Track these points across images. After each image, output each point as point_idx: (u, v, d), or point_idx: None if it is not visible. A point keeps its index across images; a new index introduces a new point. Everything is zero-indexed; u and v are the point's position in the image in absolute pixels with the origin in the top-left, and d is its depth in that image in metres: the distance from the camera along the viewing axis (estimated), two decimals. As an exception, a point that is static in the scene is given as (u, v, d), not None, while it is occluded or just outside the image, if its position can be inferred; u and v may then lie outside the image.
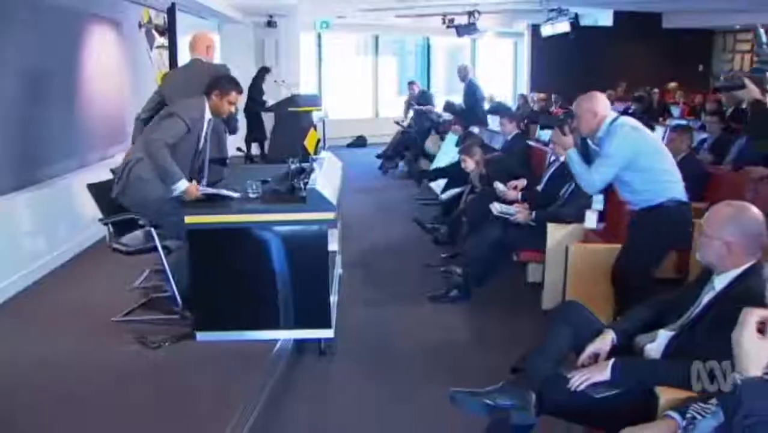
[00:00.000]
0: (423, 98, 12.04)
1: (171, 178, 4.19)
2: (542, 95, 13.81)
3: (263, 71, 11.40)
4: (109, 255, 4.71)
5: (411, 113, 12.13)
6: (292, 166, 4.63)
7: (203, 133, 4.52)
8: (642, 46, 16.38)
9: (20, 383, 3.70)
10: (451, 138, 9.35)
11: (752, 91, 3.93)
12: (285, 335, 4.18)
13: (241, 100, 5.02)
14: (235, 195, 4.27)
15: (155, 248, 4.45)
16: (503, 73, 18.64)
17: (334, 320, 4.28)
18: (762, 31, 3.90)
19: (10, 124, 5.37)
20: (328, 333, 4.20)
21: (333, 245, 4.55)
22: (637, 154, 4.01)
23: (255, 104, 11.03)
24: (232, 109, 4.61)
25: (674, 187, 4.09)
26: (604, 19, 15.23)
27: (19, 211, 5.46)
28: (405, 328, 4.85)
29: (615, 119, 4.10)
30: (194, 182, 4.33)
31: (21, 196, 5.44)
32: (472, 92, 10.24)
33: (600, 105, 4.11)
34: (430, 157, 10.33)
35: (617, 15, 14.91)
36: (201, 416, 3.32)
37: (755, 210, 2.59)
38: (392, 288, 5.62)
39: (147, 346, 4.13)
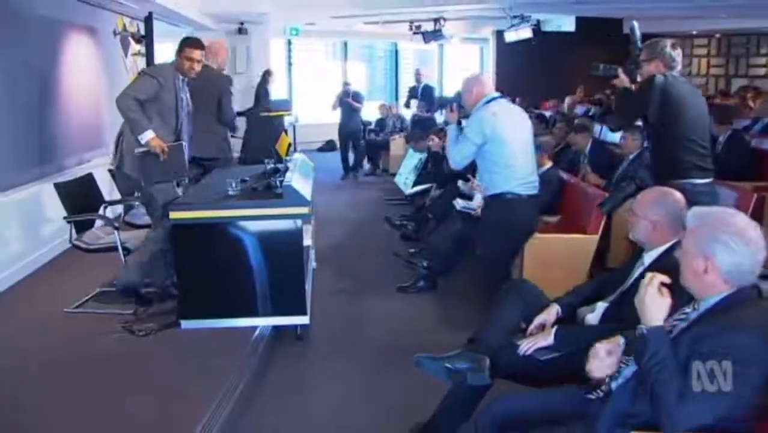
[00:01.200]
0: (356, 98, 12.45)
1: (137, 128, 4.55)
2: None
3: (267, 75, 11.59)
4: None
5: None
6: (268, 166, 4.98)
7: (178, 93, 4.84)
8: (602, 51, 16.76)
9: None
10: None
11: (623, 81, 4.27)
12: (264, 322, 4.51)
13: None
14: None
15: (115, 248, 4.82)
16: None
17: (309, 307, 4.60)
18: (636, 26, 4.21)
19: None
20: (303, 320, 4.53)
21: (307, 240, 4.88)
22: (485, 139, 4.38)
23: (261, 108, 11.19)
24: (195, 66, 4.86)
25: (511, 182, 4.47)
26: (567, 24, 15.75)
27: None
28: (375, 315, 5.19)
29: (489, 101, 4.48)
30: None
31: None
32: (428, 94, 10.74)
33: (479, 85, 4.50)
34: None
35: (579, 21, 15.42)
36: (185, 397, 3.61)
37: (678, 195, 2.99)
38: (363, 280, 5.96)
39: (134, 334, 4.43)
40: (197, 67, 4.90)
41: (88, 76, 7.93)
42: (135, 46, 9.46)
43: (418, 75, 12.54)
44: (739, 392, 2.00)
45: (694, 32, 17.20)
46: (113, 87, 8.56)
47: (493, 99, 4.55)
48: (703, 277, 2.17)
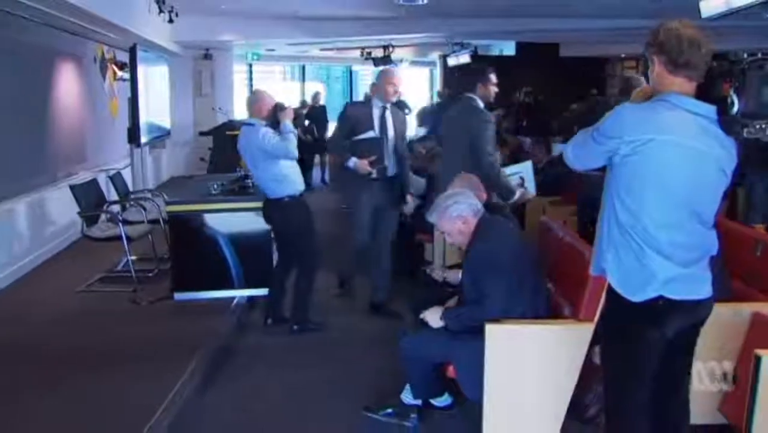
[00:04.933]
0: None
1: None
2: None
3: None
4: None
5: None
6: (240, 174, 6.21)
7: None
8: (542, 73, 18.24)
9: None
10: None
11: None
12: (240, 293, 5.74)
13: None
14: None
15: (119, 237, 6.03)
16: (422, 96, 20.51)
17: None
18: None
19: (3, 145, 6.67)
20: (270, 290, 5.74)
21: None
22: None
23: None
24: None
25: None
26: (509, 49, 17.30)
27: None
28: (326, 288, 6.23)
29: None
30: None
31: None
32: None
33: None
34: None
35: (519, 45, 16.90)
36: (179, 348, 4.73)
37: (457, 186, 4.06)
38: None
39: (137, 303, 5.62)
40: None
41: (74, 99, 9.00)
42: (119, 72, 10.58)
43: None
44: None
45: (623, 55, 18.75)
46: (95, 108, 9.73)
47: None
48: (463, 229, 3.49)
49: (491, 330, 3.28)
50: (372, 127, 5.36)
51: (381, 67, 15.73)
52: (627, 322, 2.57)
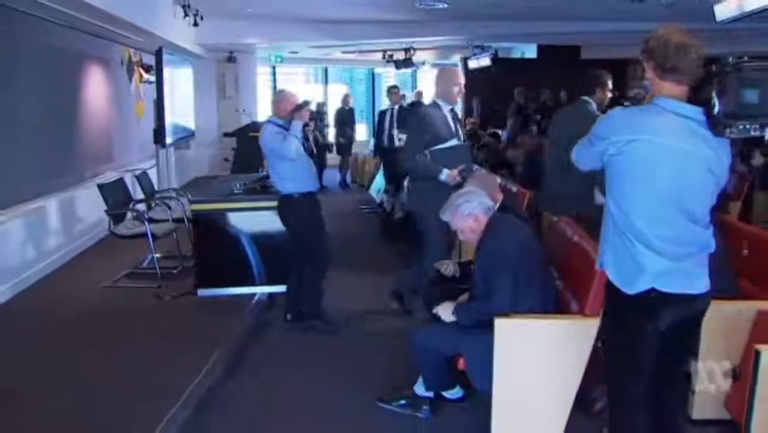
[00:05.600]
0: None
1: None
2: (473, 120, 15.67)
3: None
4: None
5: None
6: (262, 174, 6.37)
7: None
8: (562, 76, 18.24)
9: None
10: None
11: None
12: (261, 290, 5.91)
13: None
14: None
15: (144, 234, 6.24)
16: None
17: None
18: None
19: (31, 146, 6.95)
20: (291, 287, 5.90)
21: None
22: None
23: None
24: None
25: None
26: (530, 51, 17.38)
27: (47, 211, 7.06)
28: (351, 287, 6.37)
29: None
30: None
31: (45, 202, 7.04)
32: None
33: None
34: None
35: (540, 48, 16.99)
36: (201, 341, 4.94)
37: (474, 185, 4.12)
38: (342, 260, 6.83)
39: (161, 298, 5.81)
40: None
41: (102, 101, 9.28)
42: (145, 75, 10.84)
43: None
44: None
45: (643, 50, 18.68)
46: (121, 110, 9.98)
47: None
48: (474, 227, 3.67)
49: (500, 324, 3.40)
50: (452, 134, 5.16)
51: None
52: (623, 314, 2.70)
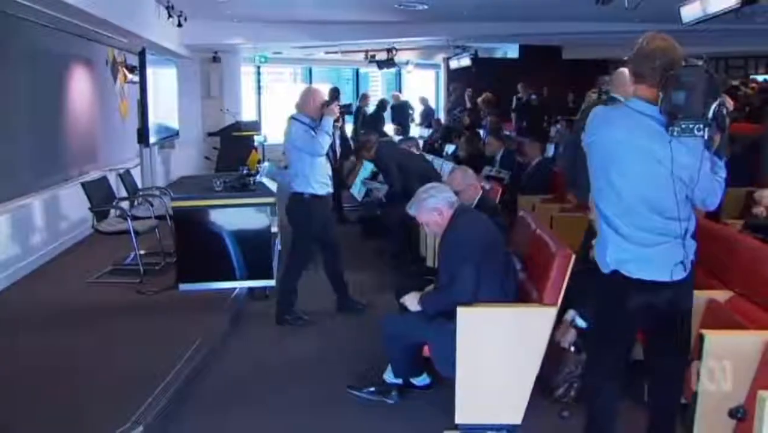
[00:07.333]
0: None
1: None
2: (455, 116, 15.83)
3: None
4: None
5: None
6: (243, 171, 6.52)
7: None
8: (544, 75, 18.38)
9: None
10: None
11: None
12: (241, 284, 6.07)
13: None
14: None
15: (127, 231, 6.40)
16: (430, 98, 20.80)
17: (275, 275, 6.13)
18: None
19: (17, 145, 7.08)
20: (271, 283, 6.07)
21: (274, 228, 6.49)
22: None
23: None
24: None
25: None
26: (513, 51, 17.60)
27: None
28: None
29: None
30: None
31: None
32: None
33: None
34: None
35: (522, 48, 17.20)
36: (184, 332, 5.11)
37: (456, 178, 4.52)
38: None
39: (143, 293, 5.98)
40: None
41: (86, 101, 9.38)
42: (125, 75, 10.96)
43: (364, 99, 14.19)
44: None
45: (625, 58, 18.86)
46: (105, 110, 10.10)
47: None
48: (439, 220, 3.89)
49: (462, 313, 3.58)
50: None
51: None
52: (600, 291, 3.02)
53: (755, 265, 3.96)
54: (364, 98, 14.29)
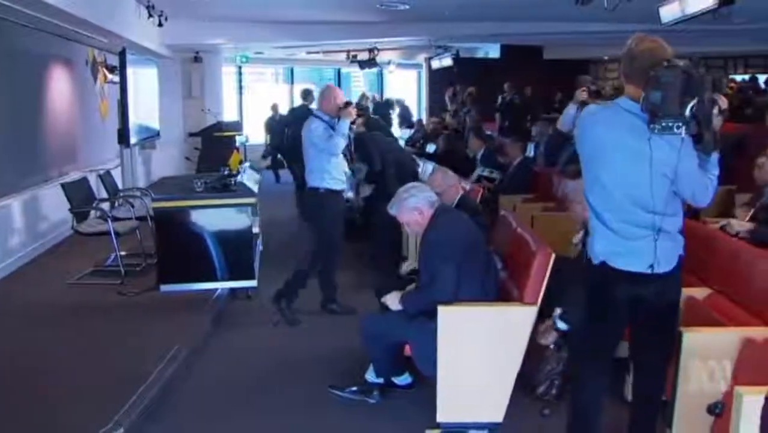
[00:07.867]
0: None
1: None
2: (435, 119, 15.83)
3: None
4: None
5: None
6: (224, 172, 6.51)
7: None
8: (527, 75, 18.42)
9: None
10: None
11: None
12: (222, 285, 6.05)
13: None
14: None
15: (108, 232, 6.38)
16: (412, 98, 20.84)
17: (257, 276, 6.13)
18: None
19: None
20: (252, 283, 6.07)
21: (255, 229, 6.46)
22: None
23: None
24: None
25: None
26: (494, 51, 17.66)
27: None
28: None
29: None
30: None
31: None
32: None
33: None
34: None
35: (504, 48, 17.26)
36: (166, 332, 5.10)
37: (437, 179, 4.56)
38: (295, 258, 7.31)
39: (124, 294, 5.94)
40: None
41: (66, 101, 9.31)
42: (109, 75, 10.89)
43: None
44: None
45: (606, 57, 19.04)
46: (85, 110, 10.03)
47: None
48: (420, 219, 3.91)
49: (443, 312, 3.60)
50: None
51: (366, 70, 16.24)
52: (590, 279, 3.08)
53: (733, 262, 4.03)
54: (365, 98, 14.29)
